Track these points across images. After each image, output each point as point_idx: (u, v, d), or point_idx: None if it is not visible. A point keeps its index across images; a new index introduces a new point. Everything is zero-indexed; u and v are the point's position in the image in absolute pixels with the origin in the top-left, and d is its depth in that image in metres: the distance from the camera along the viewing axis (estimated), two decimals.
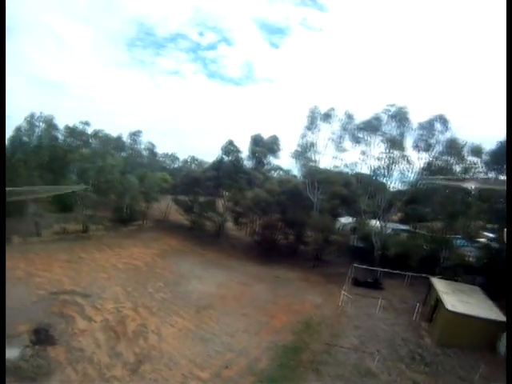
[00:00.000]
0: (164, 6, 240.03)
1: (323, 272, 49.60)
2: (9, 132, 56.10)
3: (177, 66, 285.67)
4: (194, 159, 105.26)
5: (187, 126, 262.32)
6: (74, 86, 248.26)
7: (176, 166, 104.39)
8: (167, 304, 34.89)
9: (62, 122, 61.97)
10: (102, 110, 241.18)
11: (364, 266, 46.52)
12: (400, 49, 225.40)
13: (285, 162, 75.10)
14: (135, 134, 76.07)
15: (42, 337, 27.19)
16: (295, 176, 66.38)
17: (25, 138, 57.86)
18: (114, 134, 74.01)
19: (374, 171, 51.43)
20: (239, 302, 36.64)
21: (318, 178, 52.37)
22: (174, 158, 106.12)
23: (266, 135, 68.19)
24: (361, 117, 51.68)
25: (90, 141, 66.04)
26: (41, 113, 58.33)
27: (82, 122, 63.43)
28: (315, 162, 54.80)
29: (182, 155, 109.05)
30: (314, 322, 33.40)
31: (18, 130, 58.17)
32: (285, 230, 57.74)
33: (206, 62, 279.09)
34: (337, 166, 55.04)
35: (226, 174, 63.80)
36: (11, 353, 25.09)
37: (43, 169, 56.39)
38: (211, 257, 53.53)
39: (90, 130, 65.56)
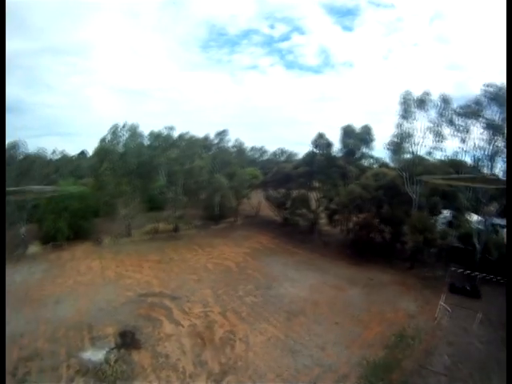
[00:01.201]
0: (230, 4, 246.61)
1: (419, 275, 45.88)
2: (95, 143, 61.02)
3: (254, 60, 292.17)
4: (282, 151, 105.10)
5: (272, 117, 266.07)
6: (155, 91, 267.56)
7: (265, 158, 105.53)
8: (257, 309, 34.08)
9: (148, 125, 66.33)
10: (186, 110, 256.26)
11: (462, 270, 42.99)
12: (486, 20, 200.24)
13: (377, 153, 70.26)
14: (222, 133, 78.07)
15: (127, 340, 27.86)
16: (391, 168, 61.77)
17: (111, 148, 60.05)
18: (200, 133, 76.94)
19: (477, 161, 45.68)
20: (332, 308, 34.75)
21: (417, 171, 47.96)
22: (262, 151, 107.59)
23: (353, 124, 65.20)
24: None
25: (177, 144, 68.86)
26: (125, 122, 61.24)
27: (166, 127, 66.26)
28: (412, 153, 50.72)
29: (270, 147, 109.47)
30: (408, 334, 30.53)
31: (103, 140, 60.97)
32: (380, 227, 54.24)
33: (283, 53, 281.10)
34: (436, 157, 50.39)
35: (318, 169, 62.07)
36: (96, 355, 26.02)
37: (131, 175, 59.21)
38: (304, 256, 51.56)
39: (175, 134, 68.70)
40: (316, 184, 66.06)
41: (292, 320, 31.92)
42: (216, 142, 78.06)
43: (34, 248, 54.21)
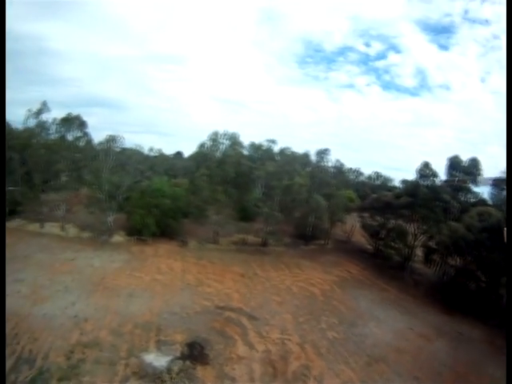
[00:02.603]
0: (325, 20, 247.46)
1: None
2: (193, 148, 63.25)
3: (350, 79, 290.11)
4: (378, 175, 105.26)
5: (365, 139, 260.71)
6: (252, 103, 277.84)
7: (359, 180, 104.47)
8: (337, 346, 31.59)
9: (242, 135, 67.58)
10: (281, 124, 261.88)
11: None
12: None
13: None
14: (323, 152, 77.25)
15: (195, 352, 26.78)
16: (491, 206, 55.16)
17: (209, 155, 62.17)
18: (293, 148, 76.43)
19: None
20: (415, 359, 31.84)
21: None
22: (358, 173, 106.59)
23: (459, 155, 59.90)
24: None
25: (276, 158, 69.09)
26: (225, 131, 63.03)
27: (268, 140, 66.63)
28: None
29: (365, 169, 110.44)
30: None
31: (202, 146, 63.20)
32: (477, 274, 49.50)
33: (379, 72, 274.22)
34: None
35: (421, 202, 57.21)
36: (158, 361, 25.22)
37: (228, 184, 60.38)
38: (392, 294, 48.54)
39: (275, 148, 69.01)
40: (416, 217, 61.39)
41: (372, 366, 29.53)
42: (316, 160, 77.58)
43: (118, 238, 56.89)
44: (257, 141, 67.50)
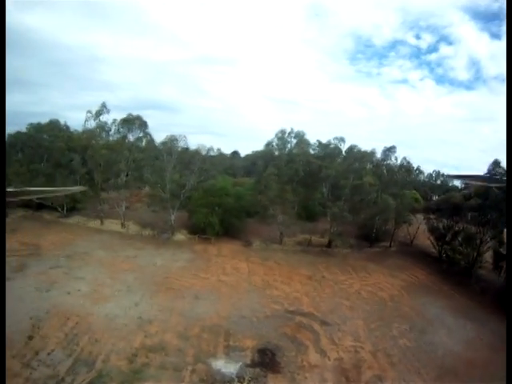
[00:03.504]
0: (372, 14, 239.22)
1: None
2: (249, 148, 63.41)
3: (403, 74, 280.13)
4: (438, 174, 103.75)
5: (421, 135, 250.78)
6: (305, 101, 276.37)
7: (419, 179, 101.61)
8: (409, 356, 30.08)
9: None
10: (335, 121, 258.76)
11: None
12: None
13: None
14: (390, 150, 75.15)
15: (266, 360, 25.95)
16: None
17: (276, 153, 62.31)
18: (358, 147, 74.80)
19: None
20: (485, 372, 29.68)
21: None
22: (418, 172, 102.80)
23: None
24: None
25: (343, 156, 68.27)
26: (291, 129, 62.49)
27: (336, 138, 65.76)
28: None
29: (423, 167, 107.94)
30: None
31: (269, 144, 63.28)
32: None
33: (432, 66, 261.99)
34: None
35: (491, 204, 53.56)
36: (227, 368, 24.54)
37: (296, 183, 59.68)
38: (461, 302, 46.15)
39: (343, 146, 68.20)
40: (485, 220, 57.76)
41: (443, 378, 27.99)
42: (382, 157, 76.01)
43: (180, 236, 57.70)
44: (311, 139, 67.46)
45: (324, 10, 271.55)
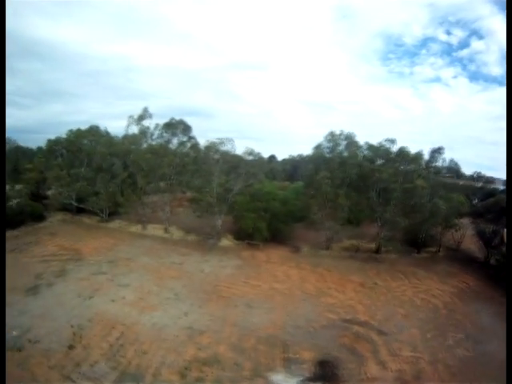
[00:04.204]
0: (400, 12, 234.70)
1: None
2: (285, 152, 63.51)
3: (435, 72, 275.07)
4: (479, 176, 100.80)
5: (455, 135, 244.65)
6: (338, 104, 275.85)
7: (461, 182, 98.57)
8: (468, 366, 29.11)
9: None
10: (369, 123, 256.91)
11: None
12: None
13: None
14: (437, 151, 73.84)
15: (327, 372, 25.46)
16: None
17: (327, 156, 61.85)
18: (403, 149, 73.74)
19: None
20: None
21: None
22: (458, 174, 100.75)
23: None
24: None
25: (392, 158, 67.60)
26: (341, 131, 61.82)
27: (387, 140, 65.19)
28: None
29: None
30: None
31: (319, 147, 62.73)
32: None
33: (464, 62, 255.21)
34: None
35: None
36: (287, 382, 24.19)
37: (347, 186, 59.13)
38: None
39: (394, 148, 67.46)
40: None
41: None
42: (429, 159, 75.00)
43: (226, 242, 57.84)
44: (376, 142, 67.25)
45: (351, 11, 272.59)
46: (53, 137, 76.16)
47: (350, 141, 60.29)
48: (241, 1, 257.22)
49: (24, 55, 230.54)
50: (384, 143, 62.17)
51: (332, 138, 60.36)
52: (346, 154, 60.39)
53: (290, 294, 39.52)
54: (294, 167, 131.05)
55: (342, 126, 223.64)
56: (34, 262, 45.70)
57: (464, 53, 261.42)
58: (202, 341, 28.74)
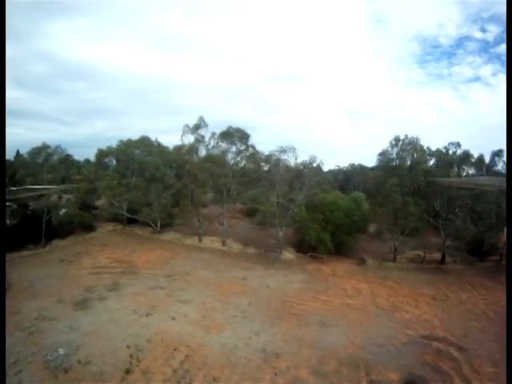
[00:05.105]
0: (434, 12, 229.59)
1: None
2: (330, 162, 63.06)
3: (474, 71, 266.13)
4: None
5: (502, 138, 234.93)
6: (380, 111, 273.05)
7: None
8: None
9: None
10: (414, 130, 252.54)
11: None
12: None
13: None
14: (497, 154, 73.11)
15: None
16: None
17: (394, 162, 62.08)
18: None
19: None
20: None
21: None
22: None
23: None
24: None
25: (456, 163, 67.10)
26: (406, 135, 61.49)
27: (452, 144, 65.18)
28: None
29: None
30: None
31: (385, 154, 63.02)
32: None
33: (502, 58, 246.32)
34: None
35: None
36: None
37: (415, 194, 59.06)
38: None
39: (458, 152, 66.92)
40: None
41: None
42: (489, 163, 74.23)
43: (287, 254, 57.62)
44: (442, 146, 66.87)
45: (385, 16, 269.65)
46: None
47: (414, 146, 59.99)
48: (273, 15, 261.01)
49: (68, 77, 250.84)
50: (448, 147, 62.05)
51: (396, 143, 60.28)
52: (409, 160, 60.27)
53: (364, 309, 39.16)
54: (345, 177, 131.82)
55: (385, 134, 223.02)
56: (84, 274, 45.68)
57: (501, 48, 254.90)
58: (279, 364, 27.02)
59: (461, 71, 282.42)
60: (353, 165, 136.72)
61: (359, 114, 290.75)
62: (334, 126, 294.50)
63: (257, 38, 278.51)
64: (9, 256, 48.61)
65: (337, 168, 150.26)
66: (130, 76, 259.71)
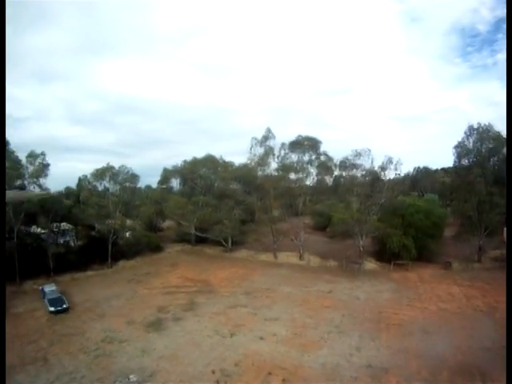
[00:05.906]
0: (465, 1, 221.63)
1: None
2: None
3: None
4: None
5: None
6: (430, 113, 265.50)
7: None
8: None
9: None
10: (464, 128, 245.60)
11: None
12: None
13: None
14: None
15: None
16: None
17: (472, 154, 60.58)
18: None
19: None
20: None
21: None
22: None
23: None
24: None
25: None
26: (478, 123, 60.32)
27: None
28: None
29: None
30: None
31: (458, 146, 61.50)
32: None
33: None
34: None
35: None
36: None
37: (496, 184, 57.06)
38: None
39: None
40: None
41: None
42: None
43: (369, 264, 57.18)
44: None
45: (417, 13, 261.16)
46: (154, 179, 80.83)
47: (490, 133, 58.62)
48: (310, 32, 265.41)
49: (124, 111, 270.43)
50: None
51: (471, 133, 59.30)
52: (484, 149, 58.61)
53: (462, 313, 38.45)
54: (411, 181, 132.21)
55: (439, 137, 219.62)
56: (155, 293, 45.69)
57: None
58: (390, 380, 25.41)
59: (504, 57, 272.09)
60: (418, 168, 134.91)
61: (411, 118, 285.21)
62: (387, 133, 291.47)
63: (298, 55, 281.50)
64: (73, 276, 51.31)
65: (397, 175, 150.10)
66: (180, 106, 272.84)
